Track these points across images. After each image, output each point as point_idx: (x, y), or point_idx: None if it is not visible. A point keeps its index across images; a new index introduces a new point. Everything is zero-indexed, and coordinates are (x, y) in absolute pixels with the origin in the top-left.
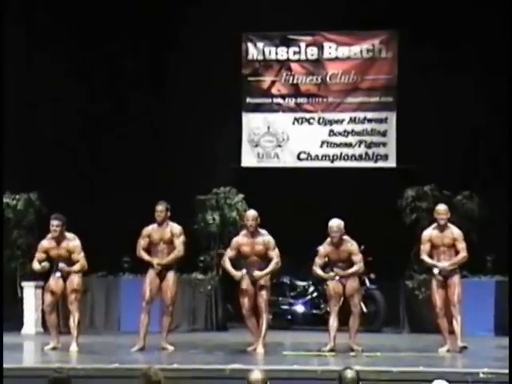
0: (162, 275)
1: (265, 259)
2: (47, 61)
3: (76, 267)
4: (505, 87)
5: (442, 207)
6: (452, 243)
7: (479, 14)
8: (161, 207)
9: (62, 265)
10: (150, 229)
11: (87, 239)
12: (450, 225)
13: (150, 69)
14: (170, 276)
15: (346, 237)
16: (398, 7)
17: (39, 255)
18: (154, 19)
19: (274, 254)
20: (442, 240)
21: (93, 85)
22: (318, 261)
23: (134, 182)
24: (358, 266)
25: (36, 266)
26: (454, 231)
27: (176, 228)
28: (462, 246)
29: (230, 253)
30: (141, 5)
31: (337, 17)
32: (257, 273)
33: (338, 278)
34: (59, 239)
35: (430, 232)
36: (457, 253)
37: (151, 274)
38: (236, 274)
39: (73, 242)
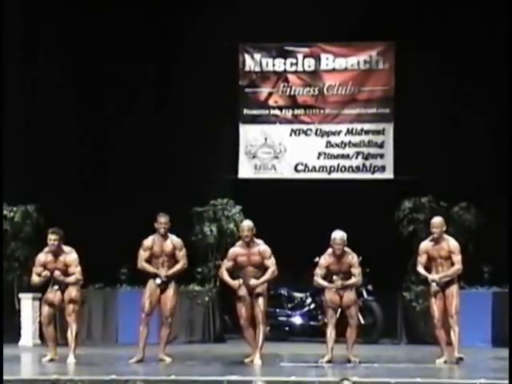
0: (162, 287)
1: (261, 269)
2: (49, 70)
3: (71, 279)
4: (503, 96)
5: (436, 220)
6: (448, 255)
7: (476, 23)
8: (164, 219)
9: (57, 273)
10: (151, 241)
11: (84, 251)
12: (446, 237)
13: (146, 82)
14: (171, 287)
15: (347, 249)
16: (394, 19)
17: (37, 269)
18: (152, 32)
19: (270, 262)
20: (439, 252)
21: (93, 98)
22: (320, 271)
23: (131, 194)
24: (357, 278)
25: (36, 278)
26: (451, 243)
27: (177, 241)
28: (457, 258)
29: (226, 263)
30: (140, 18)
31: (334, 28)
32: (253, 281)
33: (339, 287)
34: (56, 253)
35: (426, 244)
36: (453, 265)
37: (151, 285)
38: (234, 283)
39: (70, 255)
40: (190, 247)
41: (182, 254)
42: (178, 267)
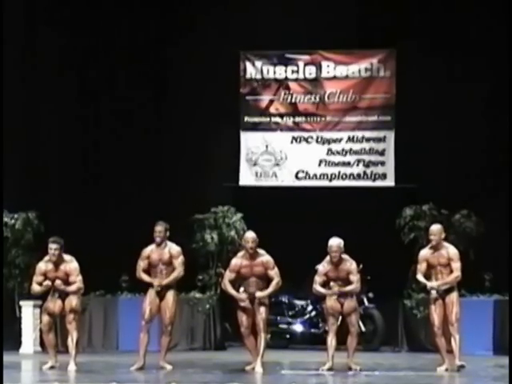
0: (161, 295)
1: (263, 279)
2: (48, 77)
3: (72, 288)
4: (504, 105)
5: (434, 227)
6: (448, 263)
7: (477, 29)
8: (160, 228)
9: (58, 282)
10: (149, 250)
11: (85, 258)
12: (446, 244)
13: (148, 88)
14: (170, 296)
15: (345, 256)
16: (395, 27)
17: (37, 278)
18: (153, 39)
19: (274, 273)
20: (438, 259)
21: (93, 105)
22: (318, 279)
23: (131, 200)
24: (355, 285)
25: (37, 288)
26: (450, 251)
27: (175, 249)
28: (456, 265)
29: (229, 275)
30: (140, 24)
31: (335, 36)
32: (259, 293)
33: (337, 293)
34: (57, 262)
35: (426, 252)
36: (452, 272)
37: (151, 293)
38: (241, 297)
39: (70, 264)
40: (190, 255)
41: (178, 262)
42: (173, 276)
